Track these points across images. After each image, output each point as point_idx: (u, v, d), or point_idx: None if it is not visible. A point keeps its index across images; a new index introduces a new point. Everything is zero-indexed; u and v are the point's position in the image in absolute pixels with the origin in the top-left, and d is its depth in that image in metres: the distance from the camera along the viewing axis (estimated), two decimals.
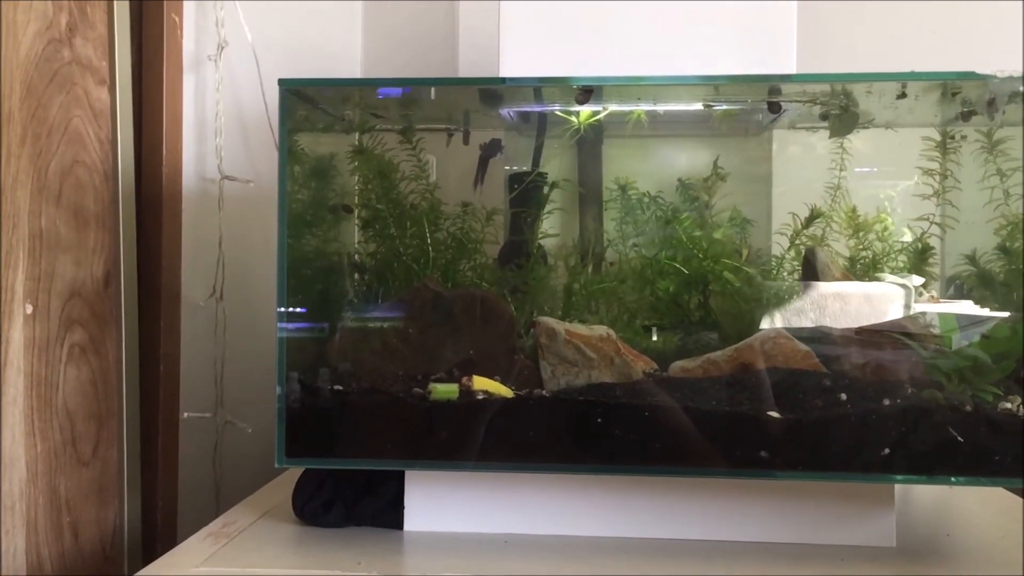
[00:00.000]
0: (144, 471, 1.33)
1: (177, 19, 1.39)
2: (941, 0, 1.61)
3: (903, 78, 0.96)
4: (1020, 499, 1.20)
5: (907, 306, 1.06)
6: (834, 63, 1.55)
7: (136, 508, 1.30)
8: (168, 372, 1.36)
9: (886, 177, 1.16)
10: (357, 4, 1.68)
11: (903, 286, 1.08)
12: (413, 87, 1.12)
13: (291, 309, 1.02)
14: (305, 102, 1.10)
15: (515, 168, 1.21)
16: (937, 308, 1.06)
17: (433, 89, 1.11)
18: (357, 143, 1.17)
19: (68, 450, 1.17)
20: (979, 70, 0.94)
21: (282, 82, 1.01)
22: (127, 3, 1.29)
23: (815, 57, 1.50)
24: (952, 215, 1.11)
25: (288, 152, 1.03)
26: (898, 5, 1.62)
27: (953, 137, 1.11)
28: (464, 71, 1.56)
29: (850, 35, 1.63)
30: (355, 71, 1.68)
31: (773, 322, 1.08)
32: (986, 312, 1.04)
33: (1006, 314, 1.03)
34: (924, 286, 1.08)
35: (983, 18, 1.61)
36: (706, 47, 1.09)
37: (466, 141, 1.20)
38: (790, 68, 1.07)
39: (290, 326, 1.02)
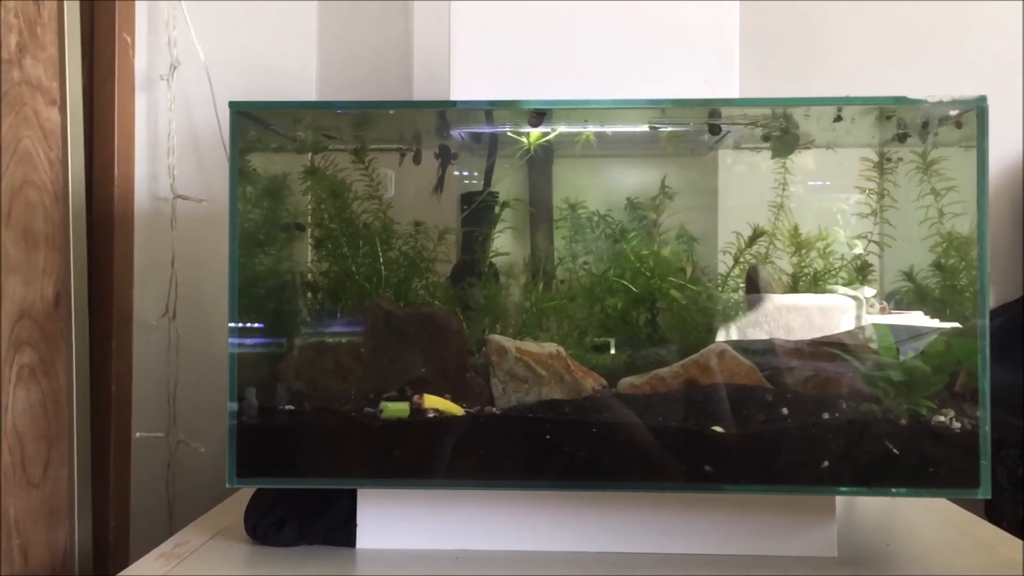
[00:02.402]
0: (96, 492, 1.32)
1: (129, 39, 1.39)
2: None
3: (838, 103, 0.99)
4: (960, 508, 1.23)
5: (857, 318, 1.09)
6: (777, 85, 1.60)
7: (87, 529, 1.29)
8: (120, 392, 1.36)
9: (828, 196, 1.19)
10: (311, 22, 1.69)
11: (855, 298, 1.10)
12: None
13: (243, 327, 1.03)
14: (257, 123, 1.11)
15: (467, 185, 1.23)
16: (888, 319, 1.09)
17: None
18: (309, 163, 1.18)
19: (17, 472, 1.17)
20: (923, 92, 0.98)
21: (233, 105, 1.02)
22: (78, 24, 1.29)
23: (758, 78, 1.54)
24: (889, 233, 1.15)
25: (240, 172, 1.04)
26: (841, 28, 1.67)
27: (890, 159, 1.14)
28: (419, 88, 1.58)
29: (793, 56, 1.67)
30: (310, 89, 1.69)
31: (719, 338, 1.10)
32: (935, 323, 1.07)
33: (948, 326, 1.06)
34: (874, 297, 1.11)
35: (926, 39, 1.66)
36: (652, 65, 1.11)
37: (417, 161, 1.21)
38: (733, 89, 1.10)
39: (242, 344, 1.02)
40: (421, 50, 1.60)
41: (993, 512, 1.44)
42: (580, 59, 1.12)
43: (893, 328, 1.06)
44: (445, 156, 1.22)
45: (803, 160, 1.16)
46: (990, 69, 1.65)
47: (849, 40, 1.67)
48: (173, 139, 1.45)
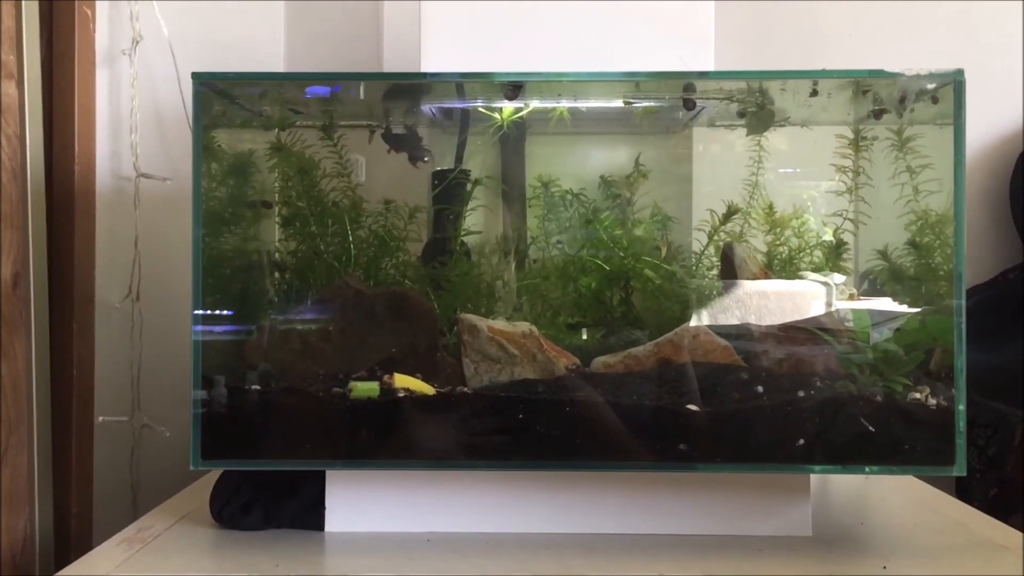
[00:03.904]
0: (57, 478, 1.29)
1: (89, 13, 1.35)
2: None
3: (815, 76, 0.98)
4: (932, 488, 1.23)
5: (828, 303, 1.08)
6: (753, 62, 1.58)
7: (48, 516, 1.26)
8: (82, 376, 1.33)
9: (804, 174, 1.18)
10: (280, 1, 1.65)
11: (824, 284, 1.10)
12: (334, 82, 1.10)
13: (207, 309, 1.00)
14: (222, 97, 1.08)
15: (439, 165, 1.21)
16: (857, 305, 1.08)
17: (360, 86, 1.10)
18: (275, 139, 1.15)
19: None
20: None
21: (196, 76, 0.99)
22: None
23: (736, 57, 1.53)
24: (865, 211, 1.14)
25: (204, 149, 1.01)
26: (815, 7, 1.66)
27: (866, 137, 1.14)
28: (389, 65, 1.55)
29: (768, 35, 1.66)
30: (278, 66, 1.65)
31: (694, 318, 1.09)
32: (903, 308, 1.06)
33: (917, 310, 1.06)
34: (844, 283, 1.11)
35: (898, 21, 1.65)
36: (626, 44, 1.10)
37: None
38: (708, 65, 1.09)
39: (206, 327, 0.99)
40: (391, 27, 1.57)
41: (964, 492, 1.44)
42: (554, 38, 1.10)
43: (870, 311, 1.05)
44: (391, 142, 1.18)
45: (778, 138, 1.15)
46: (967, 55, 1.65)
47: (832, 31, 1.66)
48: (136, 116, 1.41)
